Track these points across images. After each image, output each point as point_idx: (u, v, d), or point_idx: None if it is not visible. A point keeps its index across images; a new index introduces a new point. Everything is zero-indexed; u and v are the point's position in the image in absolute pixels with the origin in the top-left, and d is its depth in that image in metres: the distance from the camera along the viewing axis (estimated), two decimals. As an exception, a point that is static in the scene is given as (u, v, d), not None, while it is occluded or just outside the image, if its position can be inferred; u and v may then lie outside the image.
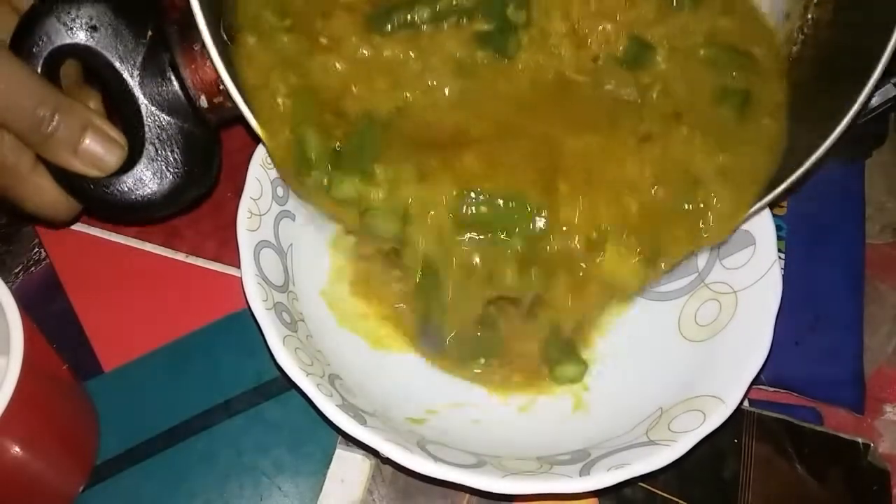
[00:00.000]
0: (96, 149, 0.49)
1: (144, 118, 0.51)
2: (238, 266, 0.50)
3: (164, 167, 0.51)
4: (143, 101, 0.50)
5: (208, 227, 0.61)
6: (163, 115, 0.51)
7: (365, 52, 0.50)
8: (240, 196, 0.52)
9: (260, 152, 0.53)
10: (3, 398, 0.40)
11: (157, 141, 0.51)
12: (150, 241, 0.61)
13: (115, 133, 0.50)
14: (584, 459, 0.47)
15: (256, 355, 0.55)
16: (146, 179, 0.51)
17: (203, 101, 0.51)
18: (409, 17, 0.50)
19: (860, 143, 0.49)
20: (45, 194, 0.50)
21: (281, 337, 0.47)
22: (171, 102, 0.51)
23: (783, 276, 0.53)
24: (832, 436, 0.55)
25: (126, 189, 0.51)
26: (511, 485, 0.45)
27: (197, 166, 0.53)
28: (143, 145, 0.51)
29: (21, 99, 0.46)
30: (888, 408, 0.58)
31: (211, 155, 0.54)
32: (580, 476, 0.45)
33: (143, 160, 0.51)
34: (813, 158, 0.49)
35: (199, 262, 0.60)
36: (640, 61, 0.52)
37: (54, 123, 0.47)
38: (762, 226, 0.54)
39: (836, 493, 0.53)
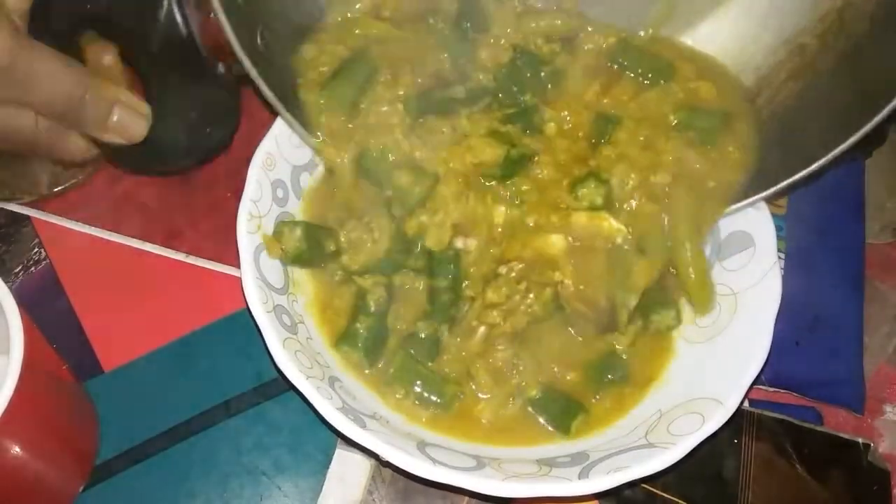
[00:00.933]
0: (124, 122, 0.51)
1: (164, 82, 0.51)
2: (238, 266, 0.50)
3: (185, 126, 0.53)
4: (162, 66, 0.51)
5: (208, 227, 0.61)
6: (181, 79, 0.52)
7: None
8: (239, 197, 0.52)
9: (260, 154, 0.53)
10: (3, 398, 0.40)
11: (177, 102, 0.52)
12: (150, 241, 0.61)
13: (140, 105, 0.51)
14: (583, 462, 0.47)
15: (256, 356, 0.55)
16: (169, 137, 0.53)
17: (221, 67, 0.52)
18: (448, 97, 0.54)
19: (860, 143, 0.49)
20: (77, 150, 0.52)
21: (281, 339, 0.47)
22: (189, 68, 0.52)
23: (783, 276, 0.53)
24: (832, 436, 0.55)
25: (151, 146, 0.52)
26: (511, 487, 0.45)
27: (216, 125, 0.55)
28: (164, 106, 0.52)
29: (53, 87, 0.47)
30: (888, 408, 0.58)
31: (229, 113, 0.56)
32: (579, 479, 0.45)
33: (165, 119, 0.52)
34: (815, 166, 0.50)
35: (199, 262, 0.60)
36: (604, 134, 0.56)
37: (85, 105, 0.49)
38: (762, 228, 0.54)
39: (836, 493, 0.53)
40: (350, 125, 0.53)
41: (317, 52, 0.55)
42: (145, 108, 0.51)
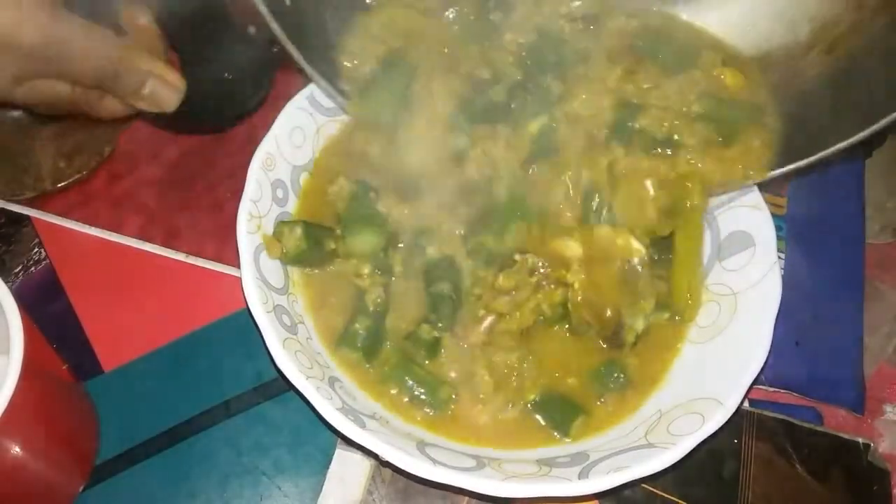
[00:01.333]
0: (156, 93, 0.51)
1: (196, 46, 0.53)
2: (238, 266, 0.50)
3: (217, 88, 0.55)
4: (193, 30, 0.52)
5: (208, 227, 0.61)
6: (213, 43, 0.53)
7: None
8: (239, 197, 0.52)
9: (260, 154, 0.53)
10: (3, 398, 0.40)
11: (208, 65, 0.54)
12: (150, 242, 0.61)
13: (173, 77, 0.52)
14: (583, 462, 0.47)
15: (256, 356, 0.55)
16: (202, 100, 0.54)
17: (252, 29, 0.53)
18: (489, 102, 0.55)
19: (860, 143, 0.49)
20: (114, 110, 0.53)
21: (281, 340, 0.47)
22: (220, 32, 0.53)
23: (783, 275, 0.53)
24: (832, 436, 0.55)
25: (184, 108, 0.53)
26: (511, 487, 0.45)
27: (249, 86, 0.57)
28: (196, 69, 0.53)
29: (87, 60, 0.48)
30: (888, 408, 0.58)
31: (261, 74, 0.58)
32: (579, 479, 0.45)
33: (198, 83, 0.52)
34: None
35: (199, 262, 0.60)
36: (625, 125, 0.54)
37: (119, 76, 0.50)
38: (762, 228, 0.54)
39: (836, 493, 0.53)
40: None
41: (357, 48, 0.55)
42: (178, 81, 0.52)
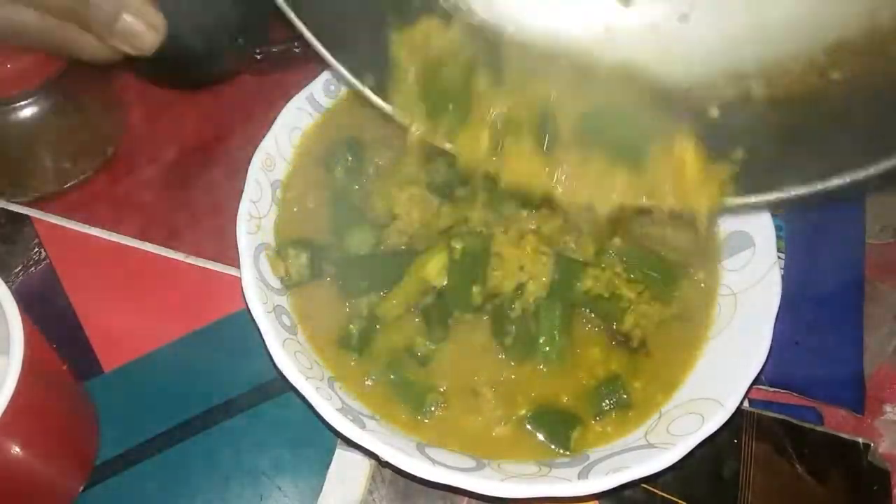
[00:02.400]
0: (131, 29, 0.47)
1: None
2: (238, 266, 0.50)
3: (201, 33, 0.52)
4: None
5: (208, 228, 0.61)
6: None
7: None
8: (239, 197, 0.52)
9: (260, 155, 0.53)
10: (3, 398, 0.40)
11: (195, 16, 0.52)
12: (150, 242, 0.61)
13: (153, 17, 0.47)
14: (582, 462, 0.47)
15: (256, 356, 0.54)
16: (184, 45, 0.51)
17: None
18: None
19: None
20: (93, 50, 0.49)
21: (280, 340, 0.48)
22: None
23: (783, 276, 0.53)
24: (832, 436, 0.55)
25: (167, 55, 0.50)
26: (510, 488, 0.45)
27: (239, 33, 0.55)
28: (182, 17, 0.50)
29: None
30: (888, 408, 0.58)
31: (253, 19, 0.56)
32: (579, 479, 0.45)
33: (180, 32, 0.50)
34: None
35: (199, 262, 0.60)
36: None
37: (89, 5, 0.46)
38: (761, 228, 0.54)
39: (836, 493, 0.53)
40: None
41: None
42: (157, 20, 0.47)
